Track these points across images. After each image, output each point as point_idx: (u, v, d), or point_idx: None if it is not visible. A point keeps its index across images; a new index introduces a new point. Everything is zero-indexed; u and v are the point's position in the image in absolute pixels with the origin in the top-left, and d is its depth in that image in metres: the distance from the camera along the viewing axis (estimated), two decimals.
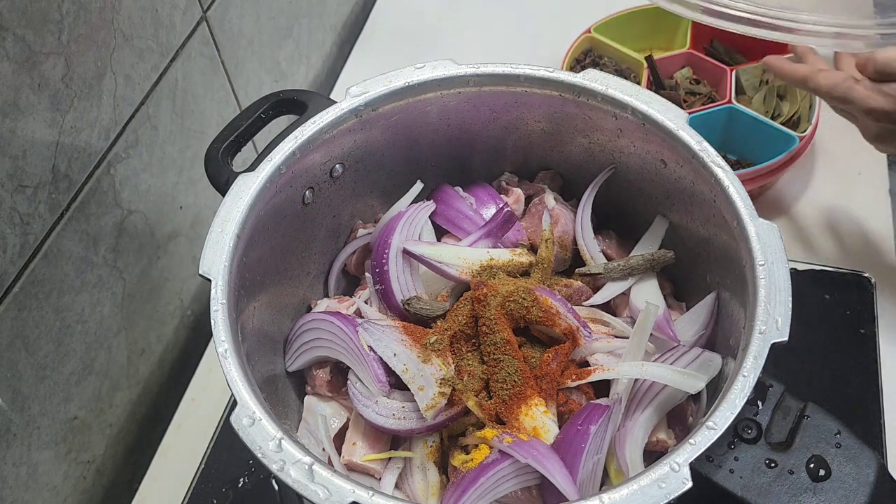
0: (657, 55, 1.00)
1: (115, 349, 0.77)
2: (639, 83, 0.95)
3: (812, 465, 0.52)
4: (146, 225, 0.78)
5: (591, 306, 0.66)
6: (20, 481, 0.67)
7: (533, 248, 0.70)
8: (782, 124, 0.90)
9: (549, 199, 0.71)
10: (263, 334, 0.63)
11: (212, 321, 0.53)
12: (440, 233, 0.70)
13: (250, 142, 0.66)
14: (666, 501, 0.45)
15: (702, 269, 0.65)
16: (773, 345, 0.50)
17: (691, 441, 0.47)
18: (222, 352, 0.52)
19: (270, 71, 0.98)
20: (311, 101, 0.65)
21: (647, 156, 0.65)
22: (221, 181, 0.61)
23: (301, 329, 0.65)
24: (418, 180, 0.71)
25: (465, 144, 0.72)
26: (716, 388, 0.57)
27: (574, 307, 0.62)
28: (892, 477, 0.53)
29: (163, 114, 0.77)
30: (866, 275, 0.84)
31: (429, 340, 0.60)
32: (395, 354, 0.59)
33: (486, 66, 0.66)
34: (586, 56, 1.01)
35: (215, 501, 0.74)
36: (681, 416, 0.60)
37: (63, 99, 0.64)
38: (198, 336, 0.91)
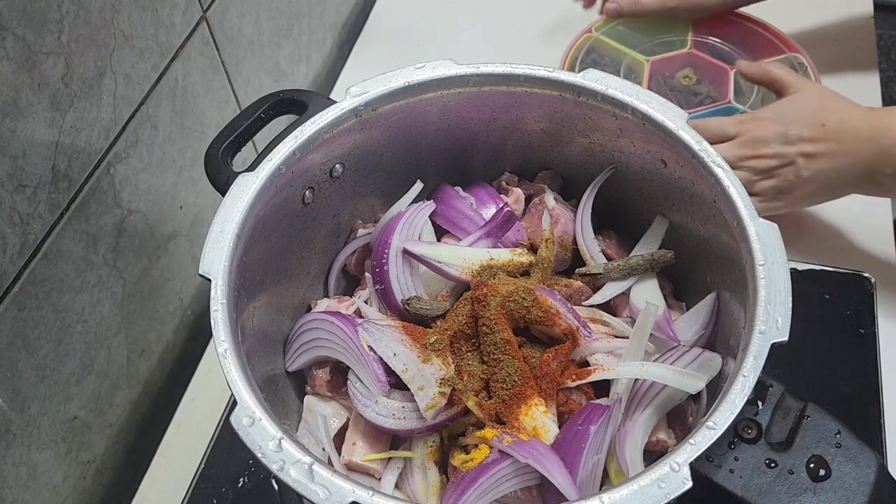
0: (658, 55, 1.00)
1: (115, 349, 0.77)
2: (640, 83, 0.95)
3: (812, 465, 0.52)
4: (146, 225, 0.78)
5: (591, 306, 0.66)
6: (20, 481, 0.67)
7: (533, 248, 0.69)
8: None
9: (549, 199, 0.71)
10: (263, 334, 0.63)
11: (212, 321, 0.53)
12: (440, 233, 0.70)
13: (250, 142, 0.66)
14: (666, 501, 0.45)
15: (702, 269, 0.65)
16: (773, 345, 0.50)
17: (691, 441, 0.47)
18: (222, 352, 0.52)
19: (270, 71, 0.98)
20: (311, 101, 0.65)
21: (647, 156, 0.65)
22: (221, 181, 0.61)
23: (301, 329, 0.65)
24: (418, 180, 0.71)
25: (465, 144, 0.72)
26: (716, 388, 0.57)
27: (574, 307, 0.62)
28: (892, 477, 0.53)
29: (163, 114, 0.77)
30: (866, 275, 0.84)
31: (429, 340, 0.60)
32: (395, 354, 0.59)
33: (486, 66, 0.66)
34: (587, 56, 1.01)
35: (215, 501, 0.74)
36: (681, 416, 0.60)
37: (63, 99, 0.64)
38: (198, 336, 0.91)
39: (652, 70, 0.98)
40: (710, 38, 1.02)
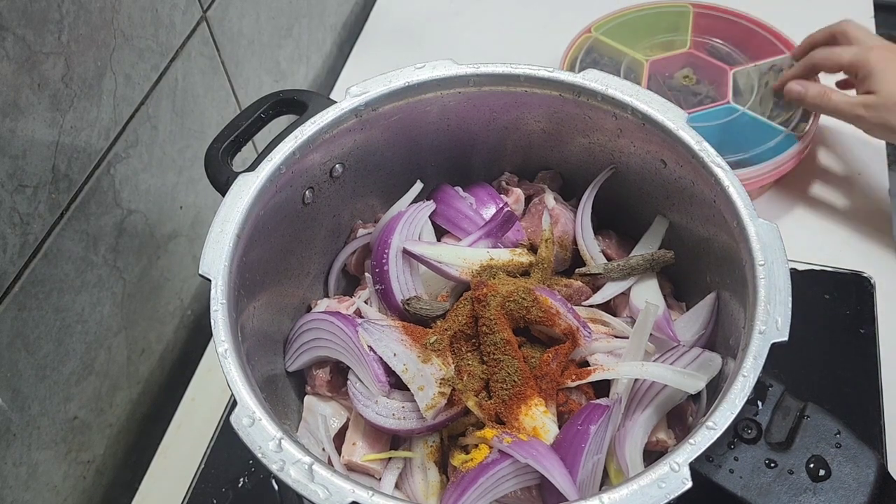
0: (658, 55, 1.00)
1: (115, 349, 0.77)
2: (639, 83, 0.95)
3: (812, 465, 0.52)
4: (146, 225, 0.78)
5: (591, 306, 0.66)
6: (20, 481, 0.67)
7: (533, 248, 0.69)
8: (781, 124, 0.90)
9: (549, 199, 0.71)
10: (263, 334, 0.63)
11: (212, 321, 0.53)
12: (440, 233, 0.70)
13: (250, 142, 0.66)
14: (666, 501, 0.45)
15: (702, 269, 0.65)
16: (773, 345, 0.50)
17: (691, 441, 0.47)
18: (222, 352, 0.52)
19: (270, 71, 0.98)
20: (311, 101, 0.65)
21: (647, 156, 0.65)
22: (221, 181, 0.61)
23: (301, 329, 0.65)
24: (418, 180, 0.71)
25: (465, 144, 0.72)
26: (716, 388, 0.57)
27: (574, 307, 0.62)
28: (892, 477, 0.53)
29: (163, 114, 0.77)
30: (866, 275, 0.84)
31: (429, 340, 0.60)
32: (395, 354, 0.59)
33: (486, 66, 0.66)
34: (587, 55, 1.01)
35: (215, 501, 0.74)
36: (681, 416, 0.60)
37: (63, 99, 0.64)
38: (198, 336, 0.91)
39: (651, 70, 0.98)
40: (710, 38, 1.02)
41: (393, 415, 0.59)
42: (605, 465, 0.56)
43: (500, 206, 0.70)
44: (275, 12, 0.97)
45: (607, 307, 0.67)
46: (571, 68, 0.99)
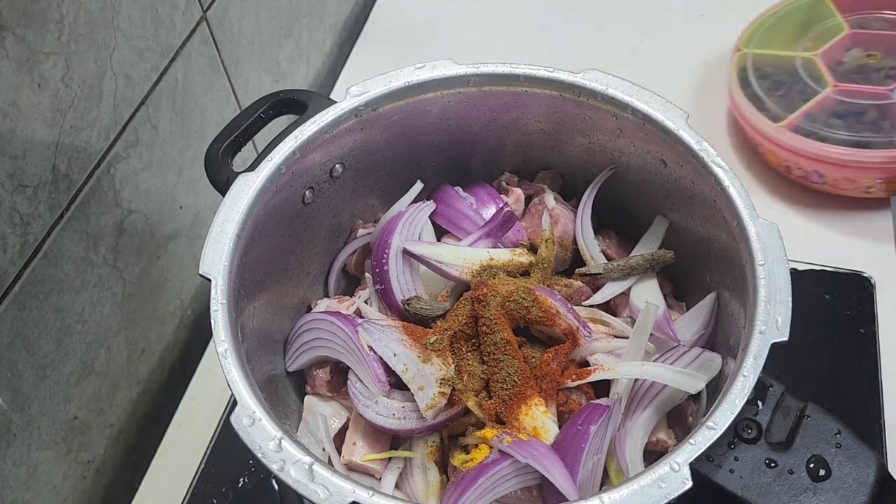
0: (823, 47, 0.94)
1: (115, 349, 0.77)
2: (821, 79, 0.91)
3: (812, 465, 0.52)
4: (146, 225, 0.78)
5: (591, 306, 0.66)
6: (20, 481, 0.67)
7: (533, 248, 0.69)
8: None
9: (549, 199, 0.71)
10: (263, 334, 0.63)
11: (212, 321, 0.53)
12: (440, 233, 0.70)
13: (250, 142, 0.66)
14: (666, 501, 0.45)
15: (702, 269, 0.65)
16: (773, 345, 0.50)
17: (691, 441, 0.47)
18: (222, 352, 0.52)
19: (270, 71, 0.98)
20: (311, 101, 0.65)
21: (647, 156, 0.65)
22: (221, 181, 0.61)
23: (301, 329, 0.65)
24: (418, 180, 0.71)
25: (465, 144, 0.72)
26: (716, 388, 0.57)
27: (574, 307, 0.62)
28: (892, 477, 0.53)
29: (163, 114, 0.77)
30: (866, 275, 0.84)
31: (429, 340, 0.60)
32: (395, 354, 0.59)
33: (486, 65, 0.66)
34: (756, 71, 0.94)
35: (215, 501, 0.74)
36: (681, 416, 0.60)
37: (63, 99, 0.64)
38: (198, 336, 0.91)
39: (825, 62, 0.93)
40: (864, 12, 0.96)
41: (393, 415, 0.59)
42: (605, 465, 0.56)
43: (500, 206, 0.70)
44: (275, 12, 0.97)
45: (607, 307, 0.67)
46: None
